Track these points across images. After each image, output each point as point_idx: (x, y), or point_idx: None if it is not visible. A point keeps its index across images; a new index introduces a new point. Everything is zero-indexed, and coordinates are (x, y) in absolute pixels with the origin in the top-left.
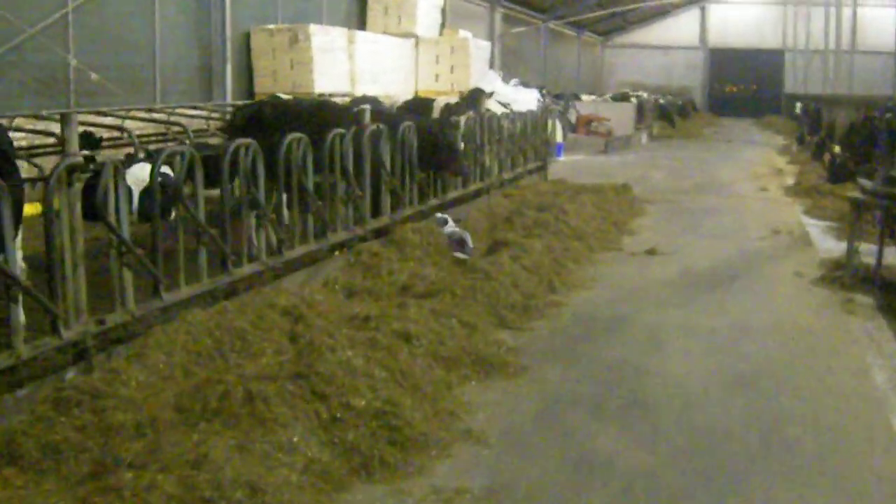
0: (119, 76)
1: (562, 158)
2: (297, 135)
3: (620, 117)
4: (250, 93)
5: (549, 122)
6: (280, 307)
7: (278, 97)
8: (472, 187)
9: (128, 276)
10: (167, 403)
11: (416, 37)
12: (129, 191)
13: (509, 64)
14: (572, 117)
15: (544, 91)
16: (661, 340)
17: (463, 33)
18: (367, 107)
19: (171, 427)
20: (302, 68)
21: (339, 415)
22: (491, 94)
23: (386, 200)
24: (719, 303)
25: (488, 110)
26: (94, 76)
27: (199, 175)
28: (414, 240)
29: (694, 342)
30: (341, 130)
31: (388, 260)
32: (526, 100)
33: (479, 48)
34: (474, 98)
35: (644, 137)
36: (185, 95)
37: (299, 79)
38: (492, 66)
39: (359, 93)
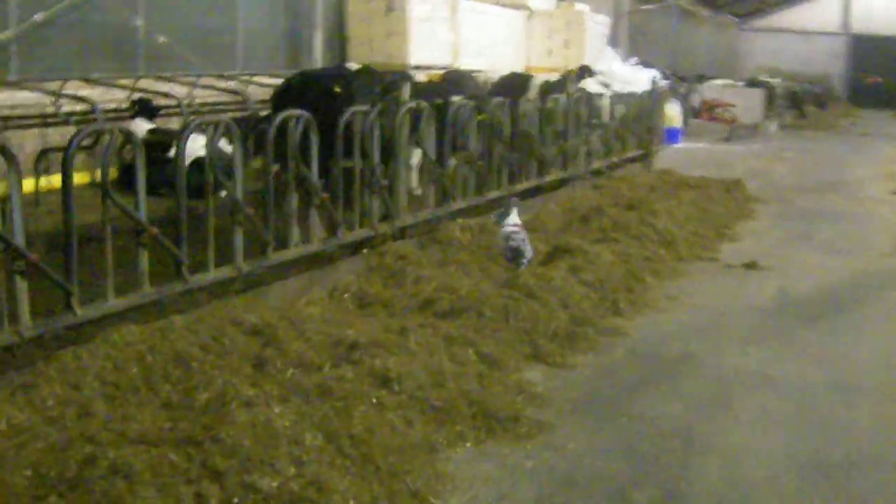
0: (194, 40)
1: (679, 145)
2: (296, 112)
3: (748, 104)
4: (345, 62)
5: (664, 106)
6: (248, 325)
7: (307, 71)
8: (551, 177)
9: (22, 285)
10: (24, 462)
11: (529, 8)
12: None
13: (637, 43)
14: (696, 101)
15: (668, 73)
16: (732, 396)
17: (580, 6)
18: (407, 80)
19: (15, 498)
20: (397, 38)
21: (236, 501)
22: (593, 74)
23: (430, 191)
24: (820, 344)
25: (581, 90)
26: (162, 39)
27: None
28: (462, 240)
29: (775, 402)
30: (362, 108)
31: (416, 265)
32: (644, 81)
33: (597, 23)
34: (581, 76)
35: (773, 126)
36: (268, 64)
37: (394, 49)
38: (617, 43)
39: (462, 66)
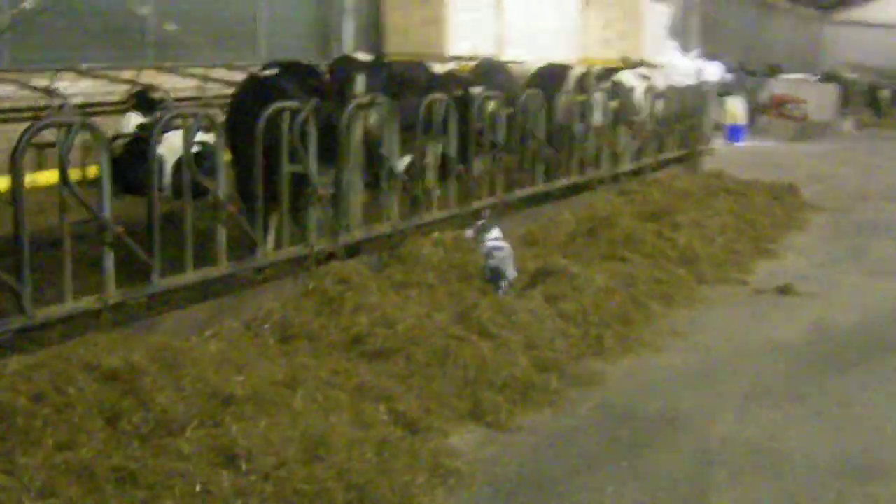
0: (209, 28)
1: (742, 144)
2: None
3: (821, 100)
4: (380, 52)
5: (713, 102)
6: (107, 369)
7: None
8: (561, 182)
9: None
10: None
11: None
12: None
13: (709, 35)
14: (764, 97)
15: (735, 66)
16: (710, 483)
17: None
18: (362, 72)
19: None
20: (435, 27)
21: None
22: (637, 65)
23: (392, 201)
24: (845, 402)
25: (614, 83)
26: (171, 27)
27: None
28: (431, 258)
29: (766, 493)
30: (289, 104)
31: (361, 290)
32: (707, 74)
33: (658, 13)
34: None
35: (847, 125)
36: (294, 54)
37: (432, 38)
38: (687, 35)
39: (507, 58)
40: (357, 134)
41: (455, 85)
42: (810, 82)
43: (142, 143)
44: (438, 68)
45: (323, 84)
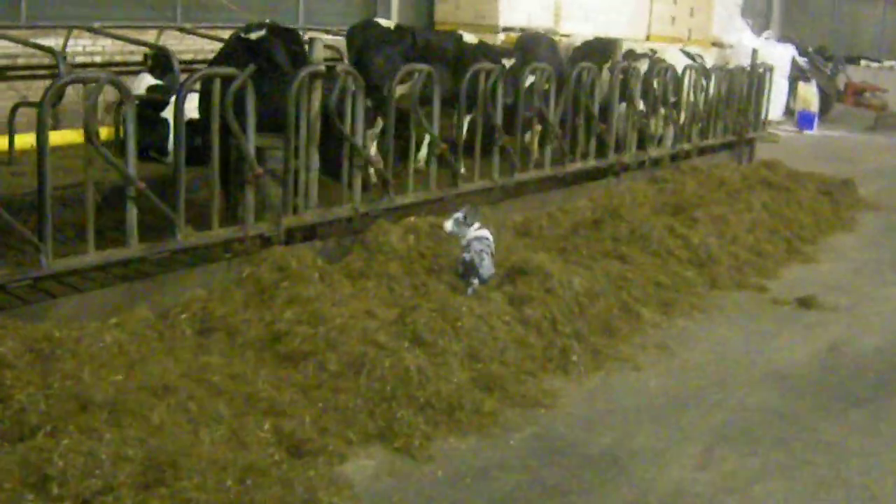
0: None
1: (812, 132)
2: None
3: None
4: (430, 20)
5: (768, 86)
6: None
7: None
8: (575, 166)
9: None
10: None
11: None
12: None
13: (793, 17)
14: (840, 84)
15: (812, 50)
16: None
17: None
18: (319, 40)
19: None
20: None
21: None
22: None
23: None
24: (839, 452)
25: (659, 60)
26: None
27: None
28: (399, 247)
29: None
30: (221, 71)
31: (298, 280)
32: (778, 57)
33: None
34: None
35: None
36: (337, 18)
37: (483, 8)
38: (768, 15)
39: (563, 31)
40: (314, 106)
41: (487, 57)
42: (890, 70)
43: (146, 107)
44: (470, 39)
45: (303, 51)
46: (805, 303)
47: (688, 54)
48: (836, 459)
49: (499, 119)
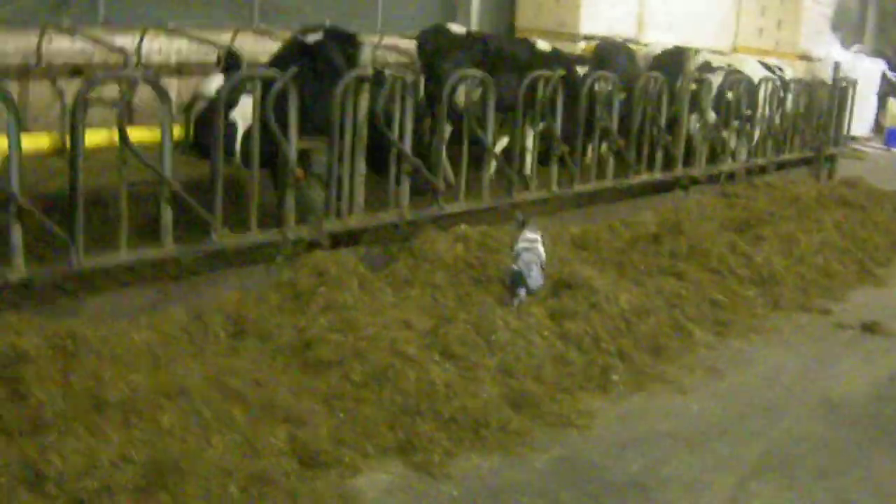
0: None
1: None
2: None
3: None
4: (511, 27)
5: (851, 101)
6: None
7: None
8: (641, 178)
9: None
10: None
11: None
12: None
13: (888, 31)
14: None
15: None
16: None
17: None
18: (367, 45)
19: None
20: (569, 3)
21: None
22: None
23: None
24: (888, 490)
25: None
26: None
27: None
28: (446, 256)
29: None
30: (259, 72)
31: (337, 285)
32: (867, 71)
33: (819, 2)
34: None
35: None
36: (416, 23)
37: (565, 16)
38: (862, 29)
39: (646, 40)
40: (361, 110)
41: (560, 64)
42: None
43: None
44: (543, 46)
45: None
46: (870, 328)
47: (767, 66)
48: (882, 499)
49: (558, 127)
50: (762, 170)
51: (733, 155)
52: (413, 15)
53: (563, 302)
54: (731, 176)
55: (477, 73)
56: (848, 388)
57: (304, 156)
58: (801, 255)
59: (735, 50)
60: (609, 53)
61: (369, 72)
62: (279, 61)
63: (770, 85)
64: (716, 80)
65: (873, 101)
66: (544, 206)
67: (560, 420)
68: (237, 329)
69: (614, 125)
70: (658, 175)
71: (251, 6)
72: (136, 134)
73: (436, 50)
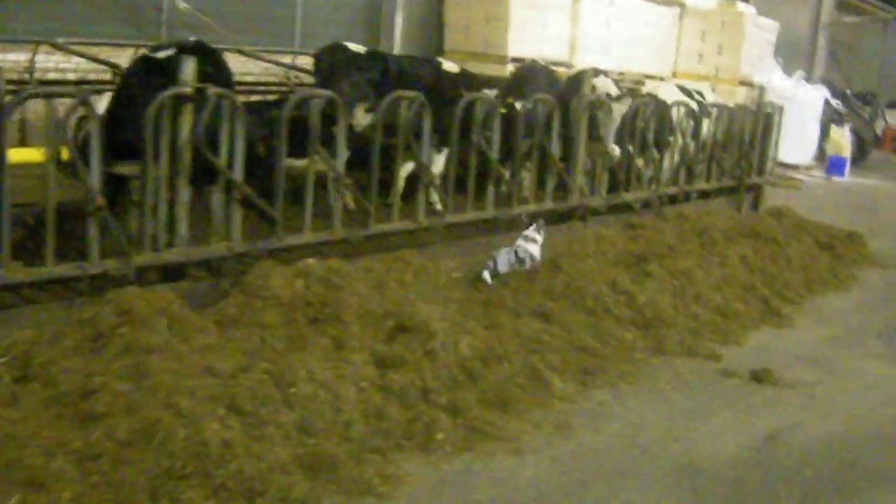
0: (233, 10)
1: (842, 179)
2: None
3: None
4: (439, 50)
5: (777, 129)
6: None
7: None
8: (527, 208)
9: None
10: None
11: (682, 5)
12: None
13: (838, 58)
14: (879, 129)
15: (850, 93)
16: None
17: (742, 6)
18: (189, 60)
19: None
20: (497, 25)
21: None
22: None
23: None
24: None
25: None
26: (182, 5)
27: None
28: (282, 293)
29: None
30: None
31: (141, 326)
32: (810, 99)
33: (762, 28)
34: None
35: None
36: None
37: (493, 38)
38: (812, 57)
39: (580, 64)
40: (182, 131)
41: (467, 86)
42: None
43: None
44: (451, 67)
45: (220, 71)
46: (759, 377)
47: (686, 91)
48: None
49: (424, 153)
50: (674, 199)
51: (650, 183)
52: (333, 34)
53: (393, 348)
54: (645, 205)
55: (411, 94)
56: (714, 450)
57: (121, 182)
58: (697, 293)
59: (675, 75)
60: (527, 76)
61: (189, 90)
62: (127, 79)
63: (682, 110)
64: (620, 106)
65: (815, 129)
66: (410, 238)
67: (359, 487)
68: (22, 373)
69: (495, 150)
70: (548, 205)
71: (158, 23)
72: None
73: (332, 69)
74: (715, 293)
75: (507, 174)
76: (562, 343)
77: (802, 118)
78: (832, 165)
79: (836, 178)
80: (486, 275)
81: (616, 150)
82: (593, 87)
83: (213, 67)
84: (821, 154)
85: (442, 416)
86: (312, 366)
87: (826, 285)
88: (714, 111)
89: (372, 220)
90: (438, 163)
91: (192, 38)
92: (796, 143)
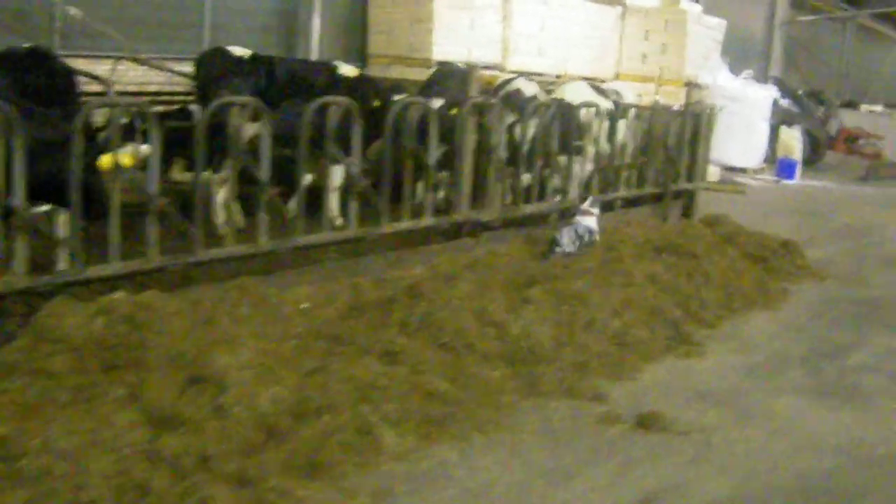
0: (135, 16)
1: (792, 182)
2: None
3: None
4: (363, 53)
5: (710, 132)
6: None
7: None
8: (399, 226)
9: None
10: None
11: (623, 4)
12: None
13: (796, 59)
14: (833, 129)
15: (800, 92)
16: None
17: (686, 4)
18: None
19: None
20: (421, 28)
21: None
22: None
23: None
24: None
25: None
26: (72, 11)
27: None
28: (75, 335)
29: None
30: None
31: None
32: (759, 99)
33: (708, 27)
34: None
35: None
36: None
37: (417, 41)
38: (768, 57)
39: (512, 67)
40: None
41: (369, 91)
42: (891, 116)
43: None
44: (348, 71)
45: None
46: (647, 422)
47: (599, 90)
48: None
49: (264, 168)
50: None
51: (564, 194)
52: (246, 41)
53: (178, 406)
54: (564, 214)
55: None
56: None
57: None
58: (590, 320)
59: (618, 77)
60: (441, 78)
61: None
62: None
63: (592, 112)
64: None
65: (764, 130)
66: (249, 264)
67: None
68: None
69: (355, 161)
70: (428, 221)
71: (50, 31)
72: None
73: (210, 75)
74: (613, 319)
75: (363, 186)
76: (406, 388)
77: (751, 119)
78: (782, 168)
79: (785, 182)
80: (556, 254)
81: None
82: (518, 91)
83: (47, 77)
84: (772, 156)
85: (223, 489)
86: (54, 431)
87: (751, 303)
88: (632, 112)
89: (198, 246)
90: (337, 175)
91: (26, 45)
92: (744, 145)
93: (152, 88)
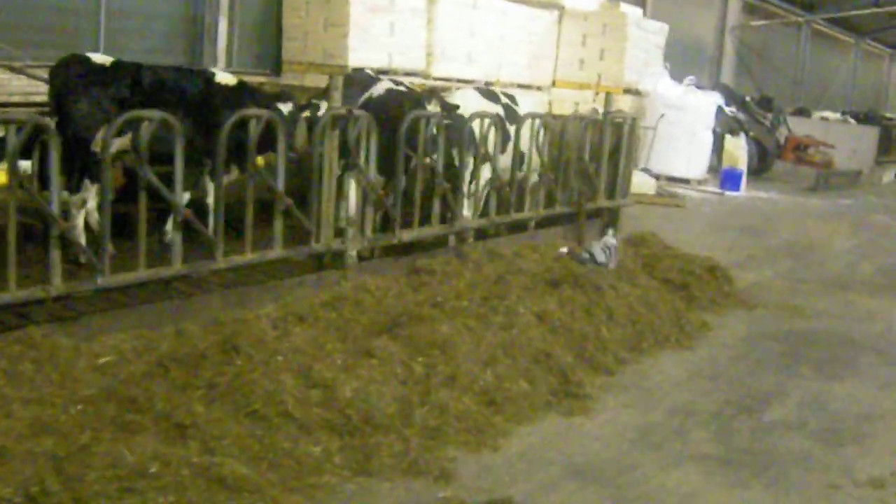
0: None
1: (737, 193)
2: None
3: (857, 145)
4: (277, 60)
5: (632, 144)
6: None
7: None
8: (236, 260)
9: None
10: None
11: (560, 6)
12: None
13: (750, 66)
14: (782, 137)
15: (748, 100)
16: None
17: (626, 8)
18: None
19: None
20: (336, 32)
21: None
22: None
23: None
24: None
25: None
26: None
27: None
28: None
29: None
30: None
31: None
32: (702, 106)
33: (649, 31)
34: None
35: (889, 176)
36: (148, 57)
37: (332, 46)
38: (719, 62)
39: (438, 74)
40: None
41: (247, 101)
42: (843, 124)
43: None
44: (227, 79)
45: None
46: None
47: (492, 96)
48: None
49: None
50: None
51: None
52: (145, 48)
53: None
54: (461, 239)
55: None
56: None
57: None
58: (452, 374)
59: (555, 84)
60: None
61: None
62: None
63: (486, 123)
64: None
65: (707, 139)
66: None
67: None
68: None
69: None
70: (275, 253)
71: None
72: None
73: (67, 85)
74: (483, 370)
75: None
76: (187, 474)
77: (693, 128)
78: (726, 179)
79: (730, 193)
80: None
81: (376, 179)
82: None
83: None
84: (717, 166)
85: None
86: None
87: (663, 342)
88: (536, 123)
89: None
90: (212, 192)
91: None
92: (686, 155)
93: (38, 99)
